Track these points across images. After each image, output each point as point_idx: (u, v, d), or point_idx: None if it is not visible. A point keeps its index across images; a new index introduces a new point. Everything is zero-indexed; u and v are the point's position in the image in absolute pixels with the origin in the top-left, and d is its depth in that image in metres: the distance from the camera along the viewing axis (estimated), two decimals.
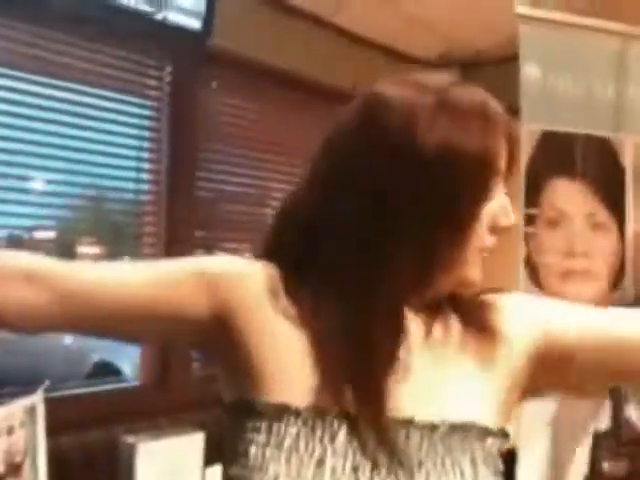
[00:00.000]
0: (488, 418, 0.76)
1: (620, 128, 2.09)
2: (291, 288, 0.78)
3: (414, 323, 0.78)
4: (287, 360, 0.75)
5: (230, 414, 0.77)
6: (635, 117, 2.14)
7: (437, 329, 0.80)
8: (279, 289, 0.78)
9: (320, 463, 0.70)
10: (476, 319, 0.80)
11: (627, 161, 2.08)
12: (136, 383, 2.52)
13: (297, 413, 0.72)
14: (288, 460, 0.70)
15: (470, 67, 3.38)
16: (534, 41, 2.08)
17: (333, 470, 0.69)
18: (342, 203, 0.76)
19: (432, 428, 0.72)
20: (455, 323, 0.81)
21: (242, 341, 0.77)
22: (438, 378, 0.77)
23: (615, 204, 2.03)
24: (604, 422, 2.15)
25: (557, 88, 2.07)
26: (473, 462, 0.72)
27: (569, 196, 2.04)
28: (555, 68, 2.08)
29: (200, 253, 2.70)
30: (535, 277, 2.02)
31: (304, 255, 0.78)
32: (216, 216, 2.77)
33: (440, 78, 0.81)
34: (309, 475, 0.69)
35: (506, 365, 0.79)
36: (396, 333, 0.75)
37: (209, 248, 2.80)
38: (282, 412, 0.72)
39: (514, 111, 2.27)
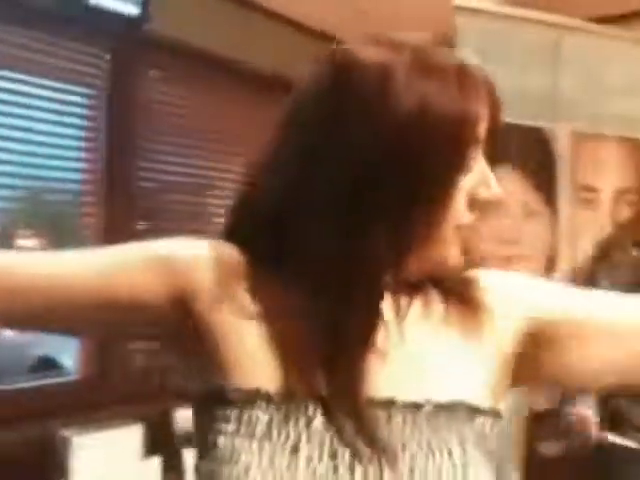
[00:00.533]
0: (477, 397, 0.71)
1: (555, 118, 2.13)
2: (256, 269, 0.73)
3: (393, 303, 0.73)
4: (255, 344, 0.70)
5: (198, 407, 0.71)
6: (569, 107, 2.19)
7: (417, 308, 0.75)
8: (239, 271, 0.73)
9: (294, 451, 0.64)
10: (458, 295, 0.76)
11: (561, 150, 2.13)
12: (75, 377, 2.47)
13: (269, 398, 0.67)
14: (260, 449, 0.65)
15: None
16: (471, 32, 2.10)
17: (309, 458, 0.64)
18: (316, 176, 0.69)
19: (416, 408, 0.68)
20: (437, 301, 0.76)
21: (205, 326, 0.71)
22: (420, 358, 0.72)
23: (548, 192, 2.08)
24: (541, 403, 2.20)
25: (494, 79, 2.09)
26: (462, 443, 0.68)
27: (506, 185, 2.08)
28: (492, 59, 2.10)
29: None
30: (473, 265, 2.05)
31: (271, 237, 0.72)
32: (157, 206, 2.74)
33: (416, 37, 0.74)
34: (283, 464, 0.64)
35: (492, 344, 0.75)
36: (372, 314, 0.69)
37: (151, 238, 2.76)
38: (253, 398, 0.67)
39: None
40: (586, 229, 2.20)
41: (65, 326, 0.79)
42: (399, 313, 0.73)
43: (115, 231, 2.45)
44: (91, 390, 2.34)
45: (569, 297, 0.79)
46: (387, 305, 0.73)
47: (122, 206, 2.49)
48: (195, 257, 0.73)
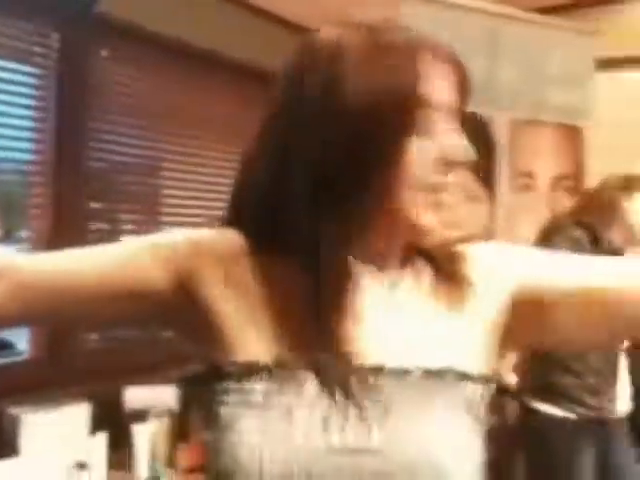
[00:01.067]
0: (466, 364, 0.74)
1: (494, 106, 2.20)
2: (253, 251, 0.78)
3: (383, 275, 0.77)
4: (250, 319, 0.74)
5: (201, 384, 0.76)
6: (508, 95, 2.26)
7: (408, 280, 0.78)
8: (239, 253, 0.78)
9: (289, 416, 0.69)
10: (445, 268, 0.79)
11: (500, 137, 2.20)
12: (26, 357, 2.49)
13: (263, 369, 0.71)
14: (258, 416, 0.69)
15: None
16: (413, 19, 2.15)
17: (303, 422, 0.68)
18: (288, 163, 0.74)
19: (404, 374, 0.71)
20: (426, 274, 0.79)
21: (205, 306, 0.76)
22: (410, 326, 0.75)
23: (487, 177, 2.15)
24: None
25: None
26: (449, 407, 0.71)
27: None
28: None
29: (93, 224, 2.67)
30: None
31: (263, 223, 0.77)
32: (108, 186, 2.74)
33: (383, 20, 0.77)
34: (279, 429, 0.68)
35: (479, 312, 0.78)
36: (340, 284, 0.73)
37: (102, 219, 2.77)
38: (249, 370, 0.71)
39: None
40: (524, 214, 2.29)
41: (77, 317, 0.86)
42: (389, 284, 0.77)
43: (65, 211, 2.46)
44: (40, 369, 2.35)
45: (553, 264, 0.81)
46: (377, 277, 0.77)
47: (72, 186, 2.49)
48: (195, 242, 0.79)
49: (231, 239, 0.79)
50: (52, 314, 0.81)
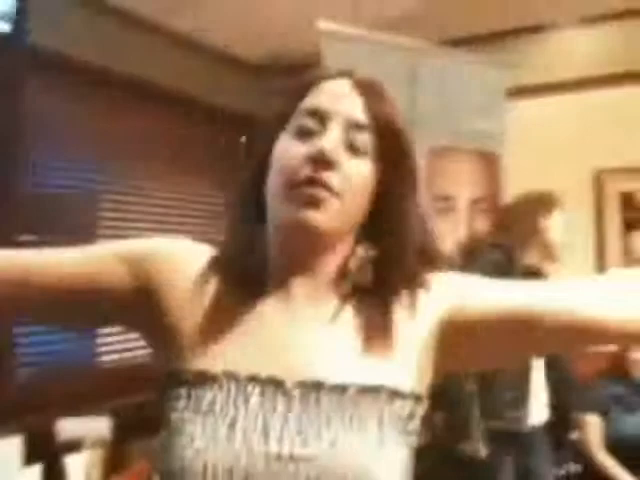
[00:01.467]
0: (398, 382, 0.79)
1: (413, 134, 2.31)
2: (213, 269, 0.85)
3: (318, 297, 0.83)
4: (202, 331, 0.80)
5: (159, 389, 0.81)
6: (427, 124, 2.38)
7: (342, 304, 0.83)
8: (201, 268, 0.84)
9: (232, 425, 0.74)
10: (389, 303, 0.83)
11: (419, 164, 2.31)
12: None
13: (214, 378, 0.76)
14: (204, 422, 0.74)
15: (297, 71, 3.55)
16: (334, 55, 2.25)
17: (244, 430, 0.73)
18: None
19: (342, 390, 0.76)
20: (359, 299, 0.84)
21: (165, 313, 0.82)
22: (347, 347, 0.80)
23: None
24: None
25: None
26: (380, 422, 0.76)
27: None
28: None
29: None
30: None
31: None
32: (43, 218, 2.74)
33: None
34: (222, 436, 0.73)
35: (412, 335, 0.82)
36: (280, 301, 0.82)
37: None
38: (200, 378, 0.77)
39: None
40: (444, 236, 2.41)
41: (39, 308, 0.88)
42: (327, 309, 0.83)
43: None
44: None
45: (480, 290, 0.86)
46: (315, 299, 0.83)
47: (2, 217, 2.48)
48: (158, 252, 0.86)
49: (198, 253, 0.87)
50: (16, 303, 0.85)
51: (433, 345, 0.83)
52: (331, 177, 0.79)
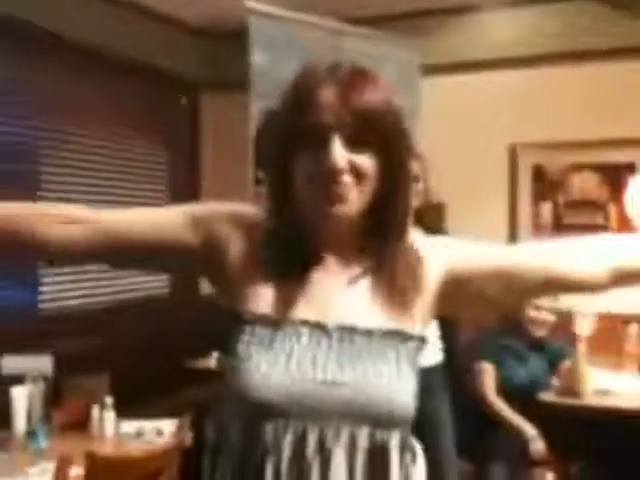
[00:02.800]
0: (409, 327, 1.01)
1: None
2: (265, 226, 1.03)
3: (352, 266, 1.03)
4: (263, 282, 1.00)
5: (228, 320, 1.01)
6: None
7: (368, 274, 1.03)
8: (255, 227, 1.03)
9: (289, 356, 0.95)
10: (405, 268, 1.03)
11: None
12: None
13: (273, 321, 0.97)
14: (267, 353, 0.95)
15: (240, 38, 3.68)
16: (262, 31, 2.47)
17: (298, 361, 0.95)
18: None
19: (370, 333, 0.98)
20: (383, 270, 1.02)
21: (228, 266, 1.02)
22: (372, 300, 1.02)
23: None
24: None
25: (282, 72, 2.48)
26: (397, 357, 0.98)
27: None
28: (280, 55, 2.49)
29: None
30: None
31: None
32: None
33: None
34: (282, 364, 0.94)
35: (420, 292, 1.03)
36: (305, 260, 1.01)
37: None
38: (261, 319, 0.97)
39: None
40: None
41: (137, 261, 1.12)
42: (354, 273, 1.03)
43: None
44: None
45: (473, 251, 1.09)
46: (345, 268, 1.03)
47: None
48: (220, 214, 1.05)
49: (249, 214, 1.06)
50: (110, 254, 1.06)
51: (434, 298, 1.05)
52: (347, 176, 0.96)
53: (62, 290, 3.26)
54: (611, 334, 3.34)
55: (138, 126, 3.79)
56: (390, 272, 1.02)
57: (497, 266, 1.07)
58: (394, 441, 0.97)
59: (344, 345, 0.97)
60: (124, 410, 2.61)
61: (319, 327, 0.98)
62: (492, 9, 3.76)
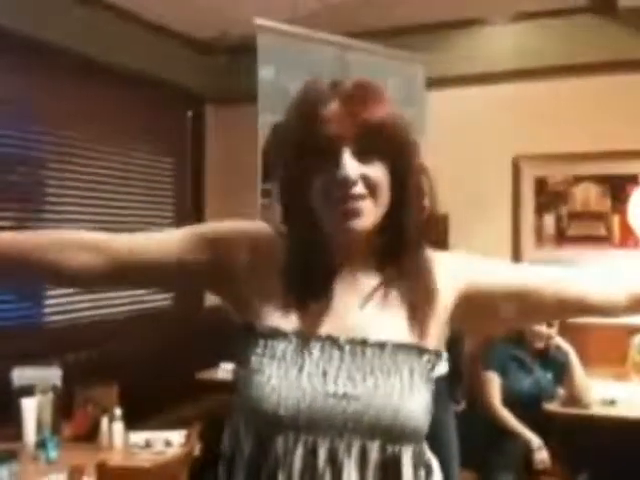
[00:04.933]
0: (425, 342, 1.00)
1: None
2: (277, 243, 1.03)
3: (368, 279, 1.02)
4: (276, 298, 1.00)
5: (239, 332, 1.02)
6: None
7: (382, 287, 1.02)
8: (267, 243, 1.03)
9: (300, 369, 0.95)
10: (420, 282, 1.02)
11: None
12: None
13: (284, 334, 0.97)
14: (278, 366, 0.95)
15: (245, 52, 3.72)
16: (269, 46, 2.51)
17: (309, 374, 0.95)
18: None
19: (382, 346, 0.97)
20: (399, 282, 1.02)
21: (240, 282, 1.02)
22: (386, 314, 1.01)
23: None
24: None
25: (289, 86, 2.53)
26: (410, 371, 0.97)
27: None
28: (287, 70, 2.53)
29: None
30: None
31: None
32: None
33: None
34: (292, 377, 0.94)
35: (438, 306, 1.02)
36: (325, 278, 1.01)
37: None
38: (274, 333, 0.98)
39: None
40: None
41: (151, 283, 1.22)
42: (370, 285, 1.02)
43: None
44: None
45: (492, 268, 1.10)
46: (364, 280, 1.02)
47: None
48: (232, 234, 1.05)
49: (261, 230, 1.06)
50: (123, 279, 1.10)
51: (450, 312, 1.04)
52: (360, 189, 0.95)
53: (69, 302, 3.29)
54: (616, 344, 3.37)
55: (144, 139, 3.83)
56: (406, 285, 1.02)
57: (516, 285, 1.07)
58: (407, 455, 0.97)
59: (356, 358, 0.97)
60: (133, 421, 2.62)
61: (331, 340, 0.98)
62: (496, 23, 3.81)
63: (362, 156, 0.96)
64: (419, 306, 1.01)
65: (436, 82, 3.54)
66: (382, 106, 0.98)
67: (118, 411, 2.57)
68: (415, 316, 1.01)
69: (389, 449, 0.95)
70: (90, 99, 3.40)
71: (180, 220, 4.02)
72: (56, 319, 3.25)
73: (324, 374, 0.96)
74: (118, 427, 2.54)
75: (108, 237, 1.05)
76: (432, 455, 1.04)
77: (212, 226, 1.09)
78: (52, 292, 3.20)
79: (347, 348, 0.97)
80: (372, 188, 0.96)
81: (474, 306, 1.05)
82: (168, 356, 3.49)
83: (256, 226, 1.08)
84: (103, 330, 3.37)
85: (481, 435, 3.06)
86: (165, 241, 1.06)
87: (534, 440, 2.97)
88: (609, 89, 3.60)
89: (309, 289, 1.00)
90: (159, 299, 3.88)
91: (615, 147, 3.57)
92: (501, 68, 3.78)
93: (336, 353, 0.97)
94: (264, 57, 2.51)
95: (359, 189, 0.95)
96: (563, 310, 1.14)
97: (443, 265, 1.05)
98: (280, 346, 0.97)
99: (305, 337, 0.98)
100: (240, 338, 1.01)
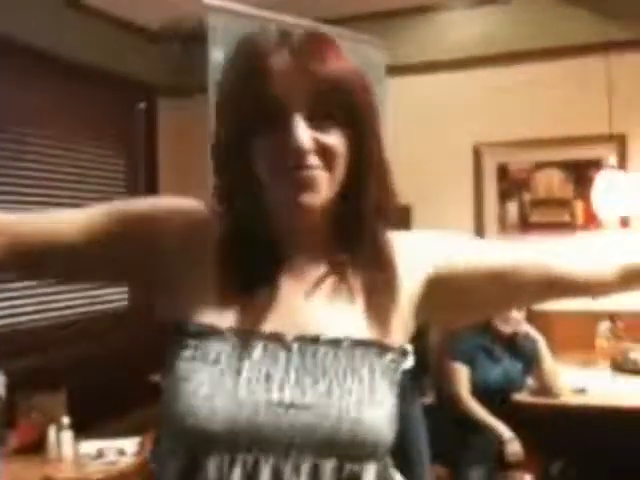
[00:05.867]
0: (387, 338, 0.85)
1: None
2: (215, 224, 0.88)
3: (319, 267, 0.87)
4: (211, 290, 0.83)
5: (167, 335, 0.85)
6: None
7: (331, 269, 0.87)
8: (204, 225, 0.87)
9: (238, 373, 0.79)
10: (380, 269, 0.88)
11: None
12: None
13: (220, 332, 0.81)
14: (211, 372, 0.79)
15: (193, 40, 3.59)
16: (221, 27, 2.37)
17: (249, 380, 0.79)
18: None
19: (337, 343, 0.82)
20: (355, 269, 0.88)
21: (170, 274, 0.86)
22: (341, 306, 0.86)
23: None
24: None
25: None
26: (371, 372, 0.81)
27: None
28: None
29: None
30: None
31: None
32: None
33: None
34: (229, 384, 0.78)
35: (400, 294, 0.88)
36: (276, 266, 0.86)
37: None
38: (207, 332, 0.81)
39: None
40: None
41: (57, 267, 0.92)
42: (320, 275, 0.87)
43: None
44: None
45: (462, 247, 0.95)
46: (311, 269, 0.87)
47: None
48: (159, 211, 0.89)
49: (195, 208, 0.90)
50: (38, 264, 0.90)
51: (418, 301, 0.90)
52: (315, 159, 0.81)
53: (12, 306, 3.09)
54: (583, 331, 3.33)
55: (95, 132, 3.66)
56: (363, 274, 0.87)
57: (493, 265, 0.93)
58: (368, 475, 0.81)
59: (306, 359, 0.81)
60: (83, 429, 2.47)
61: (275, 338, 0.82)
62: (457, 8, 3.74)
63: (317, 120, 0.81)
64: (379, 298, 0.87)
65: (397, 69, 3.45)
66: (340, 61, 0.83)
67: (66, 419, 2.41)
68: (375, 309, 0.86)
69: (347, 468, 0.79)
70: (37, 92, 3.22)
71: None
72: None
73: (267, 379, 0.80)
74: (67, 436, 2.39)
75: (13, 217, 0.89)
76: (396, 472, 0.90)
77: (135, 202, 0.92)
78: None
79: (295, 347, 0.82)
80: (328, 158, 0.82)
81: (444, 294, 0.91)
82: (121, 358, 3.32)
83: (189, 203, 0.91)
84: (50, 334, 3.18)
85: (451, 429, 2.98)
86: (79, 220, 0.88)
87: (505, 432, 2.89)
88: (571, 74, 3.55)
89: (250, 278, 0.84)
90: (114, 300, 3.71)
91: (577, 132, 3.53)
92: (460, 54, 3.72)
93: (282, 353, 0.82)
94: (214, 38, 2.37)
95: (313, 159, 0.81)
96: (548, 289, 0.97)
97: (406, 248, 0.91)
98: (214, 347, 0.81)
99: (244, 335, 0.82)
100: (169, 341, 0.85)
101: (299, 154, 0.80)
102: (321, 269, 0.87)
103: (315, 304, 0.86)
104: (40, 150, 3.27)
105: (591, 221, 3.55)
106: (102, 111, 3.72)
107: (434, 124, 3.73)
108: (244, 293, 0.84)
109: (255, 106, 0.81)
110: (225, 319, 0.82)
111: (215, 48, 2.38)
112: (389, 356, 0.85)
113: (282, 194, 0.83)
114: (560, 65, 3.56)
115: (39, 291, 3.13)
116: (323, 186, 0.82)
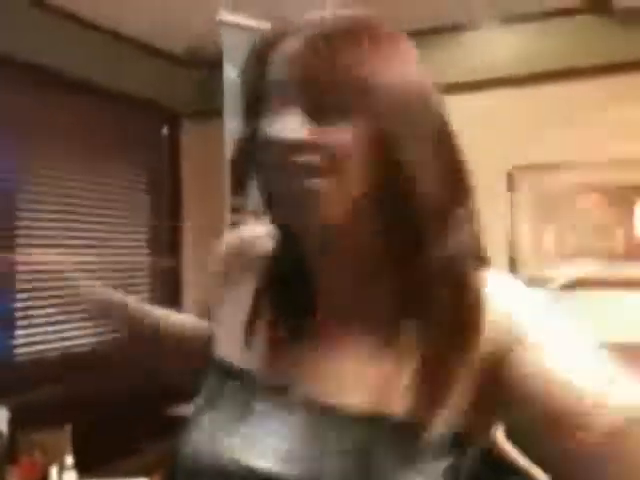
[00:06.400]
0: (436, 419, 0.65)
1: None
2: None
3: (357, 304, 0.71)
4: (236, 325, 0.77)
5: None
6: None
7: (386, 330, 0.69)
8: (256, 246, 0.82)
9: (224, 422, 0.71)
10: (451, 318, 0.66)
11: None
12: None
13: (236, 372, 0.74)
14: (210, 412, 0.73)
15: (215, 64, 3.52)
16: (235, 45, 2.26)
17: (244, 435, 0.69)
18: None
19: (356, 420, 0.66)
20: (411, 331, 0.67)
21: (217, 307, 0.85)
22: (366, 374, 0.69)
23: None
24: None
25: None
26: (391, 463, 0.65)
27: None
28: None
29: None
30: None
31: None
32: None
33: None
34: (221, 434, 0.70)
35: (472, 369, 0.66)
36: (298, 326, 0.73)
37: None
38: (226, 368, 0.75)
39: None
40: None
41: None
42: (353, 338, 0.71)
43: None
44: None
45: (553, 359, 0.64)
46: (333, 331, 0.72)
47: None
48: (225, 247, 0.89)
49: (252, 231, 0.86)
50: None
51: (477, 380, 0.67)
52: (310, 157, 0.64)
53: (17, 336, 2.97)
54: None
55: (119, 156, 3.60)
56: (425, 323, 0.66)
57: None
58: None
59: (308, 430, 0.67)
60: (88, 469, 2.34)
61: (284, 395, 0.69)
62: (490, 27, 3.60)
63: (323, 116, 0.65)
64: (447, 362, 0.65)
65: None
66: (359, 51, 0.65)
67: (70, 459, 2.27)
68: (433, 379, 0.65)
69: None
70: (62, 116, 3.17)
71: (156, 238, 3.83)
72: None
73: (255, 441, 0.68)
74: (70, 477, 2.25)
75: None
76: None
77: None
78: None
79: (302, 411, 0.68)
80: (332, 159, 0.64)
81: (489, 388, 0.66)
82: (134, 391, 3.18)
83: (251, 228, 0.87)
84: (56, 368, 3.02)
85: (485, 474, 2.78)
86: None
87: (541, 477, 2.68)
88: (612, 93, 3.36)
89: (284, 313, 0.73)
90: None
91: (620, 155, 3.33)
92: (495, 74, 3.57)
93: (285, 415, 0.69)
94: (229, 56, 2.26)
95: (313, 158, 0.64)
96: None
97: (495, 306, 0.66)
98: (226, 386, 0.74)
99: (253, 382, 0.72)
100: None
101: (281, 148, 0.64)
102: (365, 311, 0.70)
103: (347, 361, 0.69)
104: (62, 175, 3.20)
105: (632, 248, 3.35)
106: (127, 135, 3.68)
107: (467, 146, 3.56)
108: (275, 331, 0.74)
109: (256, 97, 0.69)
110: (245, 358, 0.75)
111: (230, 67, 2.27)
112: (427, 442, 0.65)
113: (272, 208, 0.71)
114: (600, 84, 3.36)
115: (38, 321, 2.99)
116: (327, 195, 0.64)
